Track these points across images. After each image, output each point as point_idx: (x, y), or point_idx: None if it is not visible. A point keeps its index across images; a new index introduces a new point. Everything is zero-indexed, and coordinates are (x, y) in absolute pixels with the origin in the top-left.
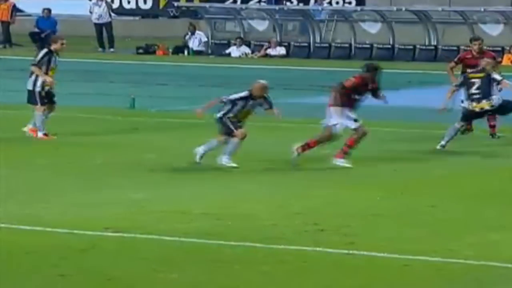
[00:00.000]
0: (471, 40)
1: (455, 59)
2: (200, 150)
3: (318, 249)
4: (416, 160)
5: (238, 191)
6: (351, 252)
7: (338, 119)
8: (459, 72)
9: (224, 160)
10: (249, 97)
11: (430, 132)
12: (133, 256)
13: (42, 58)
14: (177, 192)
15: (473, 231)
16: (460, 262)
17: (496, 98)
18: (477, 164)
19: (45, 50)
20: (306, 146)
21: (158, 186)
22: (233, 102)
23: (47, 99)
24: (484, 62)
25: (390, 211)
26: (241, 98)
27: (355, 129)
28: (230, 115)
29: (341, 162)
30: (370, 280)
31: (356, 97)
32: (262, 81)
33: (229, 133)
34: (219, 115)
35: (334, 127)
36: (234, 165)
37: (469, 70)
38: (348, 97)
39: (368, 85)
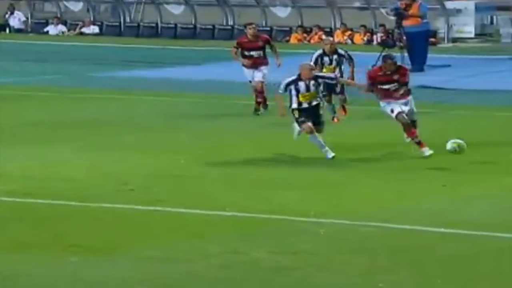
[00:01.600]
0: (245, 26)
1: (235, 44)
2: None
3: (128, 206)
4: (213, 127)
5: (58, 158)
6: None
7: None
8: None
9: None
10: (298, 79)
11: (227, 102)
12: None
13: None
14: None
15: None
16: (255, 216)
17: None
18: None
19: None
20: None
21: None
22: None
23: None
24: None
25: (192, 172)
26: (291, 82)
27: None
28: (294, 106)
29: (426, 151)
30: (176, 232)
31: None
32: (306, 63)
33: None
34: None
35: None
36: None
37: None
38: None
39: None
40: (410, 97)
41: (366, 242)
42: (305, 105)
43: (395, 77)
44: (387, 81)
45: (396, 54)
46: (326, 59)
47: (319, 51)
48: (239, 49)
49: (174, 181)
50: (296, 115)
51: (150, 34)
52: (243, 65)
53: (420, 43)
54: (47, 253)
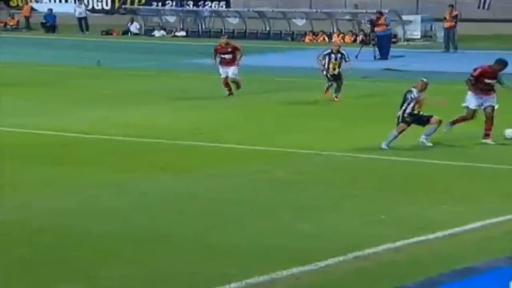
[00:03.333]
0: (220, 36)
1: (213, 50)
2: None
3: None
4: (266, 98)
5: (155, 113)
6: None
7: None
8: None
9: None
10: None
11: (266, 78)
12: None
13: None
14: None
15: (287, 133)
16: (279, 150)
17: None
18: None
19: None
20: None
21: None
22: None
23: None
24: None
25: (241, 122)
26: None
27: (484, 109)
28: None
29: (489, 141)
30: (228, 159)
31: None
32: (424, 79)
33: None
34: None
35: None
36: (430, 144)
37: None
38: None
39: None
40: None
41: (347, 166)
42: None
43: (495, 76)
44: (491, 77)
45: (370, 49)
46: (332, 56)
47: (328, 50)
48: (216, 53)
49: (229, 128)
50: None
51: (217, 36)
52: (219, 64)
53: (385, 42)
54: (146, 173)
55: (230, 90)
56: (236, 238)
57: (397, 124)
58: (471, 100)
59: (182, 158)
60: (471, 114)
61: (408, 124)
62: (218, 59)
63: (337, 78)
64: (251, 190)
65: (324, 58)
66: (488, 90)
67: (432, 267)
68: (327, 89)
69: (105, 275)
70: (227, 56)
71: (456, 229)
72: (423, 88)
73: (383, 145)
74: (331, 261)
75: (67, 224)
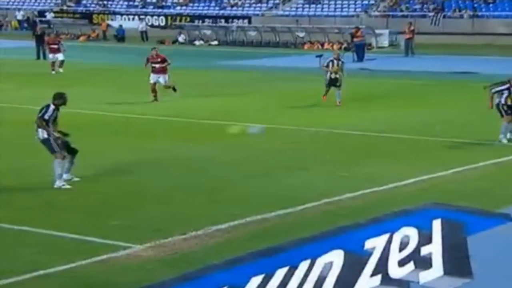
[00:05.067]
0: (152, 48)
1: (146, 59)
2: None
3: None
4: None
5: (193, 101)
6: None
7: None
8: None
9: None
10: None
11: (284, 75)
12: None
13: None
14: None
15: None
16: (279, 127)
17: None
18: None
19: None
20: None
21: None
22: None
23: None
24: None
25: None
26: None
27: None
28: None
29: None
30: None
31: None
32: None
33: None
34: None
35: None
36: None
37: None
38: None
39: None
40: None
41: (324, 138)
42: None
43: None
44: None
45: (350, 54)
46: (334, 62)
47: (331, 57)
48: (149, 62)
49: (247, 110)
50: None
51: (241, 44)
52: (151, 71)
53: (361, 49)
54: (183, 143)
55: (155, 96)
56: (241, 188)
57: (502, 116)
58: None
59: (198, 134)
60: None
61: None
62: (150, 67)
63: (334, 82)
64: (258, 155)
65: (327, 65)
66: None
67: (379, 210)
68: (325, 94)
69: (141, 212)
70: (157, 65)
71: (397, 183)
72: None
73: (503, 139)
74: (307, 205)
75: (124, 178)
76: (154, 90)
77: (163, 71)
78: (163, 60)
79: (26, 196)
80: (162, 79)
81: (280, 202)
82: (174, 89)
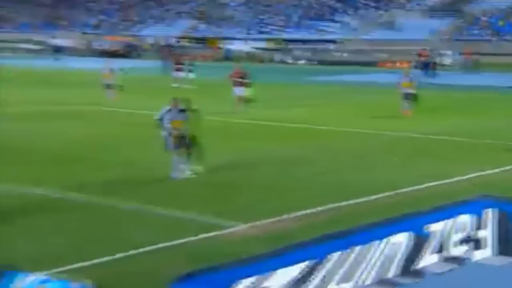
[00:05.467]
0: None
1: None
2: None
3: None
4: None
5: (282, 112)
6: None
7: None
8: None
9: None
10: None
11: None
12: None
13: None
14: None
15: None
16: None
17: None
18: None
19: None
20: None
21: None
22: None
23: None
24: None
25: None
26: None
27: None
28: None
29: None
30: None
31: None
32: None
33: None
34: None
35: None
36: None
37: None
38: None
39: None
40: None
41: (401, 140)
42: None
43: None
44: None
45: (419, 70)
46: (407, 78)
47: (404, 74)
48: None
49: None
50: None
51: (328, 64)
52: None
53: (428, 67)
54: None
55: (239, 106)
56: (326, 180)
57: None
58: None
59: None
60: None
61: None
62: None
63: (409, 96)
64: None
65: (403, 79)
66: None
67: (439, 200)
68: (404, 108)
69: (243, 199)
70: (239, 80)
71: (455, 179)
72: None
73: None
74: (379, 195)
75: (232, 172)
76: (238, 101)
77: (243, 84)
78: (244, 76)
79: (155, 183)
80: (241, 91)
81: (356, 193)
82: (250, 101)
